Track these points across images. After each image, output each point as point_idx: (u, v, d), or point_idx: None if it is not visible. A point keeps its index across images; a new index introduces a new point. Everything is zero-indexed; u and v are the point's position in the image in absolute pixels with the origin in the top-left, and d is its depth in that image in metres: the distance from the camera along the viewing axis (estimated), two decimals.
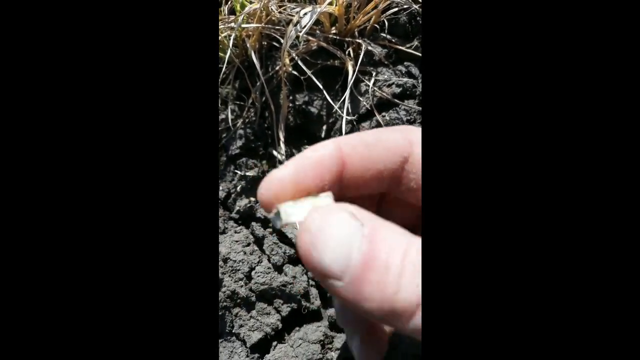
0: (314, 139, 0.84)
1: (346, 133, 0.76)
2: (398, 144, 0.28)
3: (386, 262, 0.21)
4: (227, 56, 0.67)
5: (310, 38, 0.74)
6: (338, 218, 0.22)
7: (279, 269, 0.69)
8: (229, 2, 0.79)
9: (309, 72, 0.77)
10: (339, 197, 0.29)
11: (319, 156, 0.27)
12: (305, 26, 0.61)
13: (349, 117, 0.73)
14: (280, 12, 0.69)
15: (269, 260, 0.69)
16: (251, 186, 0.78)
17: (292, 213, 0.26)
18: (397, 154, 0.28)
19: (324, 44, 0.73)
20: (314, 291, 0.70)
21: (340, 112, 0.73)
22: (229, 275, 0.68)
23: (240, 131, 0.82)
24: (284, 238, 0.71)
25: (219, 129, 0.82)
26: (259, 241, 0.72)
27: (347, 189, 0.29)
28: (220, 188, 0.79)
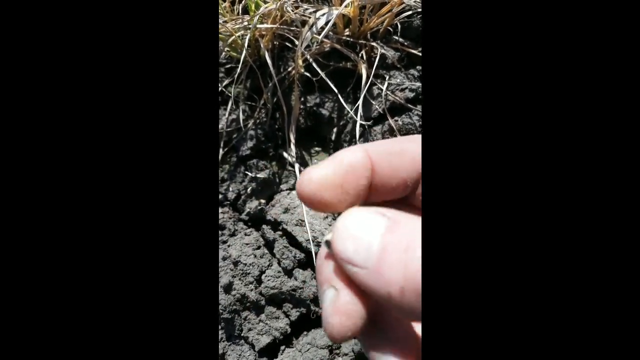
0: (325, 141, 0.83)
1: (359, 137, 0.75)
2: (418, 153, 0.29)
3: (406, 246, 0.22)
4: (242, 56, 0.66)
5: (323, 39, 0.73)
6: (362, 213, 0.25)
7: (289, 273, 0.68)
8: (242, 1, 0.78)
9: (322, 74, 0.76)
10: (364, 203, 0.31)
11: (354, 163, 0.27)
12: (321, 28, 0.60)
13: (363, 122, 0.72)
14: (295, 13, 0.68)
15: (279, 264, 0.69)
16: (262, 188, 0.77)
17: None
18: (418, 163, 0.29)
19: (337, 46, 0.72)
20: None
21: (353, 115, 0.73)
22: (239, 279, 0.67)
23: (251, 132, 0.81)
24: (294, 242, 0.70)
25: (230, 129, 0.81)
26: (269, 244, 0.71)
27: (373, 194, 0.29)
28: (230, 189, 0.78)
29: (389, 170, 0.28)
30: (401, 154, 0.28)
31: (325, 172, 0.26)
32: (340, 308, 0.24)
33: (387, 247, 0.22)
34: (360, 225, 0.24)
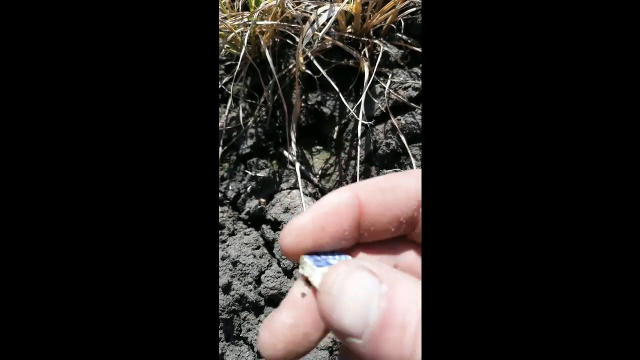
0: (326, 140, 0.82)
1: (360, 136, 0.74)
2: (412, 188, 0.29)
3: (403, 322, 0.22)
4: (241, 53, 0.65)
5: (325, 37, 0.72)
6: (356, 278, 0.23)
7: (289, 273, 0.67)
8: None
9: (323, 72, 0.75)
10: (358, 242, 0.30)
11: (336, 205, 0.27)
12: (322, 25, 0.59)
13: (365, 122, 0.71)
14: (296, 9, 0.67)
15: (279, 264, 0.68)
16: (261, 187, 0.77)
17: (310, 274, 0.27)
18: (412, 199, 0.29)
19: (339, 43, 0.71)
20: None
21: (354, 114, 0.72)
22: (238, 279, 0.66)
23: (251, 130, 0.80)
24: None
25: (230, 127, 0.80)
26: (269, 244, 0.70)
27: (365, 233, 0.29)
28: (230, 188, 0.78)
29: (380, 208, 0.28)
30: (393, 190, 0.28)
31: (303, 220, 0.27)
32: None
33: (386, 322, 0.22)
34: (355, 292, 0.23)
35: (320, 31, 0.65)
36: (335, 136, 0.81)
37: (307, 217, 0.27)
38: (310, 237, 0.26)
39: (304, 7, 0.77)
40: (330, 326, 0.23)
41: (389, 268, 0.24)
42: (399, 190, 0.28)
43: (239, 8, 0.75)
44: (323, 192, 0.79)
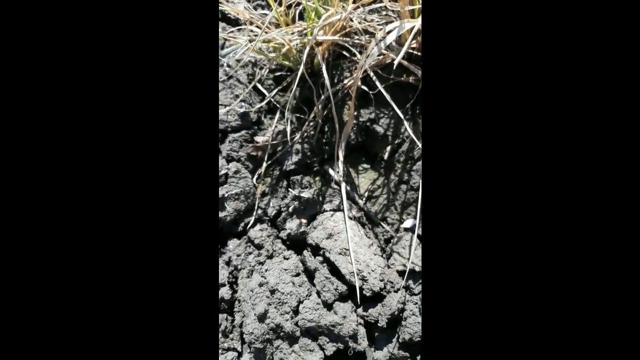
0: (375, 159, 0.77)
1: (416, 160, 0.68)
2: None
3: None
4: (299, 69, 0.61)
5: (386, 52, 0.66)
6: None
7: (329, 306, 0.64)
8: (297, 5, 0.72)
9: (380, 87, 0.69)
10: None
11: None
12: (388, 47, 0.53)
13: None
14: (360, 22, 0.61)
15: (318, 295, 0.64)
16: (304, 207, 0.73)
17: None
18: None
19: (405, 62, 0.65)
20: (362, 331, 0.65)
21: (411, 134, 0.66)
22: (275, 307, 0.63)
23: (297, 146, 0.76)
24: (336, 271, 0.65)
25: (275, 142, 0.76)
26: (309, 272, 0.66)
27: None
28: (271, 204, 0.74)
29: None
30: None
31: None
32: None
33: None
34: None
35: (387, 50, 0.59)
36: (386, 156, 0.76)
37: None
38: None
39: (364, 15, 0.71)
40: None
41: None
42: None
43: (294, 16, 0.70)
44: (368, 216, 0.74)
